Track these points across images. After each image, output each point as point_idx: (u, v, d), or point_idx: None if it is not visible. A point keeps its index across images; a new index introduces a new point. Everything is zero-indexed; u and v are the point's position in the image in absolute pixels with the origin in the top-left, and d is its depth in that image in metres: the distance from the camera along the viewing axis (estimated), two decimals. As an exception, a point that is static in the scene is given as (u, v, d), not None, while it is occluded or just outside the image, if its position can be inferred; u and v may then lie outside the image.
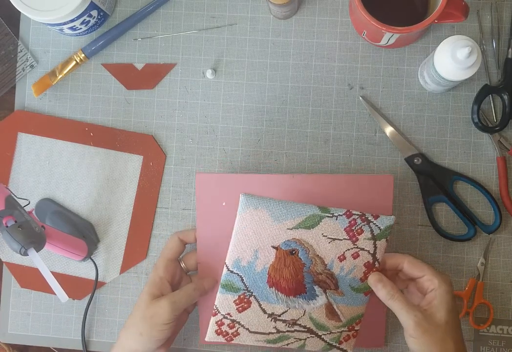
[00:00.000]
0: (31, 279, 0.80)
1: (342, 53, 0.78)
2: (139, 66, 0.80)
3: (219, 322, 0.65)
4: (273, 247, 0.62)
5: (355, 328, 0.66)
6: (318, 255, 0.62)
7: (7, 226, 0.62)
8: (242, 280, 0.63)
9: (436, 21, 0.67)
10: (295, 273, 0.63)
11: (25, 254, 0.62)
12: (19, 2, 0.72)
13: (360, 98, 0.78)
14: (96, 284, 0.79)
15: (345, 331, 0.66)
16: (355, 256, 0.63)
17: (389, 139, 0.77)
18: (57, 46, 0.81)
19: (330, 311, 0.65)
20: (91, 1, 0.73)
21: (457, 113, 0.77)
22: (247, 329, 0.65)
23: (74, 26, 0.76)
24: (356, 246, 0.63)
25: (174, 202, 0.79)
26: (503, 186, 0.75)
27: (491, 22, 0.77)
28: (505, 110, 0.75)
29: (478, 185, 0.76)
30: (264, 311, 0.64)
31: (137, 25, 0.80)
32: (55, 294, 0.64)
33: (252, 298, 0.63)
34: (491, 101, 0.77)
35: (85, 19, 0.75)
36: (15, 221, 0.63)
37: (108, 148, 0.80)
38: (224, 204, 0.70)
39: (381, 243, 0.64)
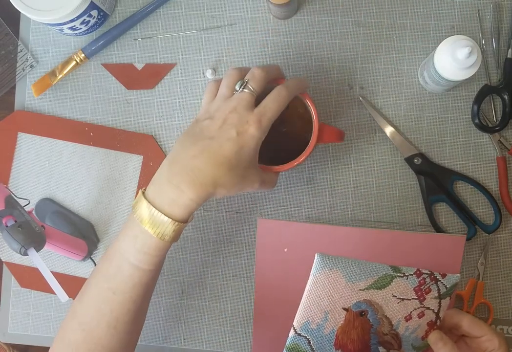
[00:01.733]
0: (31, 279, 0.80)
1: (342, 53, 0.78)
2: (139, 66, 0.80)
3: None
4: (344, 309, 0.60)
5: None
6: (386, 316, 0.61)
7: (7, 226, 0.62)
8: (309, 343, 0.61)
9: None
10: (362, 335, 0.61)
11: (25, 254, 0.63)
12: (19, 2, 0.72)
13: (360, 98, 0.78)
14: (96, 284, 0.79)
15: None
16: (421, 315, 0.62)
17: (389, 139, 0.77)
18: (57, 46, 0.81)
19: None
20: (91, 1, 0.73)
21: (457, 113, 0.77)
22: None
23: (74, 26, 0.76)
24: (422, 306, 0.62)
25: (174, 202, 0.79)
26: (503, 186, 0.75)
27: (491, 22, 0.77)
28: (505, 110, 0.75)
29: (478, 185, 0.76)
30: None
31: (137, 25, 0.80)
32: (55, 294, 0.64)
33: None
34: (491, 101, 0.77)
35: (85, 19, 0.75)
36: (15, 221, 0.63)
37: (108, 148, 0.80)
38: (286, 250, 0.70)
39: (445, 302, 0.63)
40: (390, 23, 0.78)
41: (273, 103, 0.58)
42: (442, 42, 0.68)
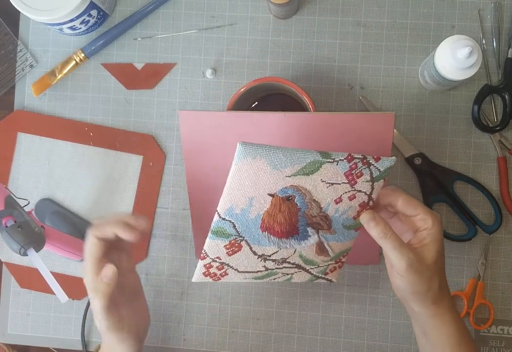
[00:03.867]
0: (31, 280, 0.80)
1: (342, 53, 0.78)
2: (139, 66, 0.80)
3: (207, 265, 0.64)
4: (270, 194, 0.60)
5: (342, 260, 0.67)
6: (314, 200, 0.61)
7: (6, 226, 0.62)
8: (234, 226, 0.62)
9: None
10: (290, 218, 0.61)
11: (25, 254, 0.62)
12: (19, 2, 0.72)
13: (360, 97, 0.78)
14: (96, 284, 0.78)
15: (332, 263, 0.66)
16: (352, 198, 0.61)
17: (389, 139, 0.77)
18: (57, 46, 0.81)
19: (320, 248, 0.64)
20: (91, 1, 0.73)
21: (457, 113, 0.77)
22: (236, 269, 0.65)
23: (74, 25, 0.76)
24: (353, 189, 0.61)
25: (174, 202, 0.79)
26: (504, 186, 0.75)
27: (491, 21, 0.77)
28: (506, 110, 0.75)
29: (478, 185, 0.76)
30: (255, 253, 0.64)
31: (137, 25, 0.80)
32: (54, 294, 0.64)
33: (243, 243, 0.63)
34: (492, 101, 0.76)
35: (84, 19, 0.75)
36: (15, 221, 0.63)
37: (108, 148, 0.80)
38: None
39: (379, 184, 0.62)
40: (390, 23, 0.78)
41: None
42: (443, 42, 0.68)
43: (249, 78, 0.79)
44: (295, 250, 0.64)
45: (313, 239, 0.64)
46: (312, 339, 0.78)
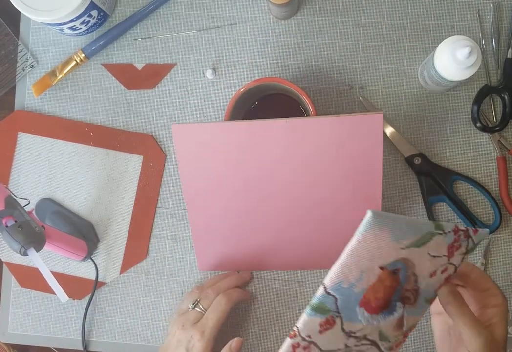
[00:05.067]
0: (31, 279, 0.80)
1: (342, 53, 0.78)
2: (139, 66, 0.80)
3: (295, 344, 0.60)
4: (380, 267, 0.56)
5: (408, 335, 0.63)
6: (414, 273, 0.58)
7: (7, 226, 0.62)
8: (336, 301, 0.58)
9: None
10: (389, 292, 0.59)
11: (25, 254, 0.62)
12: (19, 2, 0.72)
13: (360, 98, 0.78)
14: (96, 284, 0.79)
15: (400, 338, 0.63)
16: (444, 271, 0.59)
17: (389, 139, 0.77)
18: (57, 46, 0.81)
19: (399, 322, 0.61)
20: (91, 1, 0.73)
21: (457, 113, 0.77)
22: (320, 348, 0.60)
23: (74, 26, 0.76)
24: (448, 262, 0.59)
25: (174, 202, 0.79)
26: (503, 186, 0.75)
27: (491, 22, 0.77)
28: (505, 110, 0.75)
29: (478, 185, 0.76)
30: (343, 330, 0.60)
31: (137, 25, 0.80)
32: (55, 294, 0.64)
33: (337, 319, 0.59)
34: (491, 101, 0.77)
35: (85, 19, 0.75)
36: (15, 221, 0.63)
37: (108, 148, 0.80)
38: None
39: (467, 256, 0.60)
40: (390, 23, 0.78)
41: (213, 314, 0.70)
42: (442, 42, 0.68)
43: (249, 78, 0.79)
44: (378, 326, 0.60)
45: (398, 313, 0.60)
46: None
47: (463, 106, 0.77)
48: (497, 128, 0.75)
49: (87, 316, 0.79)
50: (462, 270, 0.61)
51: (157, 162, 0.80)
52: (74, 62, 0.79)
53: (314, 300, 0.57)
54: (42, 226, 0.66)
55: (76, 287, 0.80)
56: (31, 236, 0.62)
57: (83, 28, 0.77)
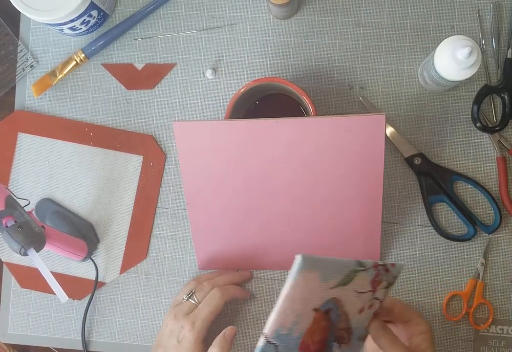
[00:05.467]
0: (31, 279, 0.80)
1: (342, 53, 0.78)
2: (139, 66, 0.80)
3: None
4: (314, 309, 0.58)
5: None
6: (344, 311, 0.60)
7: (7, 226, 0.62)
8: (277, 349, 0.58)
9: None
10: (324, 334, 0.60)
11: (25, 254, 0.62)
12: (19, 2, 0.72)
13: (360, 98, 0.78)
14: (96, 284, 0.79)
15: None
16: (370, 306, 0.61)
17: (389, 139, 0.77)
18: (57, 46, 0.81)
19: None
20: (91, 1, 0.73)
21: (457, 113, 0.77)
22: None
23: (74, 26, 0.76)
24: (374, 297, 0.61)
25: (174, 202, 0.79)
26: (503, 186, 0.75)
27: (491, 22, 0.77)
28: (505, 110, 0.75)
29: (478, 185, 0.76)
30: None
31: (137, 25, 0.80)
32: (55, 294, 0.64)
33: None
34: (491, 101, 0.77)
35: (85, 19, 0.75)
36: (15, 221, 0.63)
37: (108, 148, 0.80)
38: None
39: (388, 291, 0.62)
40: (390, 23, 0.78)
41: (206, 306, 0.71)
42: (442, 42, 0.68)
43: (249, 79, 0.79)
44: None
45: None
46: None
47: (463, 106, 0.77)
48: (497, 128, 0.75)
49: (87, 316, 0.79)
50: (386, 305, 0.63)
51: (157, 162, 0.80)
52: (74, 62, 0.79)
53: (256, 349, 0.57)
54: (42, 226, 0.66)
55: (76, 287, 0.80)
56: (31, 236, 0.62)
57: (83, 28, 0.77)
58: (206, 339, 0.72)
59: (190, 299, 0.73)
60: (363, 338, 0.63)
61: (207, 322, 0.71)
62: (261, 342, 0.57)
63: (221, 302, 0.72)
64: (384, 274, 0.61)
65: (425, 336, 0.62)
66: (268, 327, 0.56)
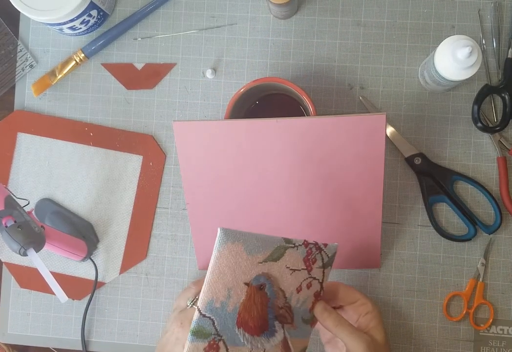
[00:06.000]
0: (31, 279, 0.80)
1: (342, 53, 0.78)
2: (139, 66, 0.80)
3: None
4: (245, 283, 0.59)
5: None
6: (281, 288, 0.61)
7: (6, 226, 0.62)
8: (214, 323, 0.59)
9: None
10: (261, 309, 0.60)
11: (25, 254, 0.62)
12: (19, 2, 0.72)
13: (360, 98, 0.78)
14: (96, 284, 0.79)
15: None
16: (309, 286, 0.62)
17: (389, 139, 0.77)
18: (57, 46, 0.81)
19: (285, 346, 0.62)
20: (91, 1, 0.73)
21: (457, 113, 0.77)
22: None
23: (74, 26, 0.76)
24: (310, 276, 0.62)
25: (174, 202, 0.79)
26: (504, 186, 0.75)
27: (491, 21, 0.77)
28: (506, 110, 0.75)
29: (478, 185, 0.76)
30: None
31: (137, 25, 0.80)
32: (54, 294, 0.64)
33: (221, 343, 0.60)
34: (492, 101, 0.76)
35: (84, 19, 0.75)
36: (15, 221, 0.63)
37: (108, 148, 0.80)
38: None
39: (328, 271, 0.64)
40: (390, 23, 0.78)
41: None
42: (443, 42, 0.68)
43: (249, 78, 0.79)
44: (264, 350, 0.61)
45: (279, 335, 0.62)
46: (312, 339, 0.77)
47: (464, 106, 0.77)
48: (497, 128, 0.75)
49: (87, 317, 0.79)
50: (329, 289, 0.64)
51: (157, 162, 0.79)
52: (73, 62, 0.79)
53: (192, 325, 0.58)
54: (42, 226, 0.66)
55: (75, 287, 0.80)
56: (31, 236, 0.62)
57: (83, 28, 0.77)
58: None
59: (194, 306, 0.71)
60: (311, 324, 0.64)
61: None
62: (195, 315, 0.58)
63: None
64: (316, 253, 0.62)
65: (371, 315, 0.63)
66: (200, 300, 0.58)
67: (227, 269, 0.58)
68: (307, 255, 0.61)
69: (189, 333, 0.59)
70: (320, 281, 0.63)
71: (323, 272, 0.63)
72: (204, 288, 0.58)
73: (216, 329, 0.59)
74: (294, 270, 0.61)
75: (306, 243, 0.61)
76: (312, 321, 0.64)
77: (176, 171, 0.79)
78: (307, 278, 0.62)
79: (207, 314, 0.58)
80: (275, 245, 0.59)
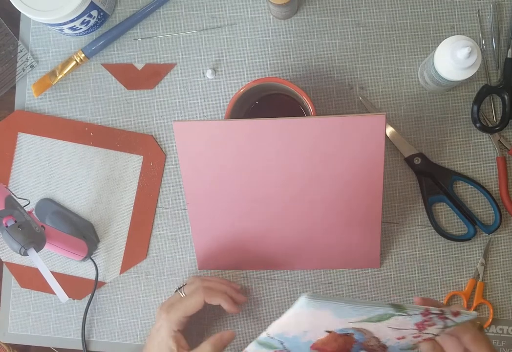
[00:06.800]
0: (31, 279, 0.80)
1: (342, 53, 0.78)
2: (139, 66, 0.80)
3: None
4: (327, 331, 0.53)
5: None
6: (374, 336, 0.55)
7: (7, 226, 0.62)
8: (282, 344, 0.55)
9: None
10: (344, 345, 0.56)
11: (25, 254, 0.62)
12: (19, 2, 0.72)
13: (360, 98, 0.78)
14: (96, 284, 0.79)
15: None
16: (416, 336, 0.56)
17: (389, 139, 0.77)
18: (57, 46, 0.81)
19: None
20: (91, 1, 0.73)
21: (457, 113, 0.77)
22: None
23: (74, 26, 0.76)
24: (421, 333, 0.55)
25: (174, 202, 0.79)
26: (503, 186, 0.75)
27: (491, 22, 0.77)
28: (505, 110, 0.75)
29: (478, 185, 0.76)
30: None
31: (137, 25, 0.80)
32: (55, 294, 0.64)
33: None
34: (491, 101, 0.77)
35: (85, 19, 0.75)
36: (15, 221, 0.63)
37: (108, 148, 0.80)
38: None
39: (451, 329, 0.56)
40: (390, 23, 0.78)
41: (186, 300, 0.72)
42: (442, 42, 0.68)
43: (249, 78, 0.79)
44: None
45: None
46: None
47: (463, 106, 0.77)
48: (497, 128, 0.75)
49: (87, 316, 0.79)
50: (454, 332, 0.57)
51: (157, 162, 0.80)
52: (74, 62, 0.79)
53: (260, 339, 0.54)
54: (42, 226, 0.66)
55: (76, 287, 0.80)
56: (31, 236, 0.62)
57: (83, 28, 0.77)
58: (186, 333, 0.72)
59: (178, 291, 0.73)
60: (410, 349, 0.58)
61: (182, 314, 0.70)
62: (263, 334, 0.54)
63: (200, 299, 0.71)
64: (438, 320, 0.53)
65: (479, 343, 0.56)
66: (270, 329, 0.53)
67: (307, 324, 0.52)
68: (423, 321, 0.53)
69: (255, 341, 0.55)
70: (437, 334, 0.55)
71: (442, 331, 0.55)
72: (274, 325, 0.52)
73: (284, 346, 0.56)
74: (399, 329, 0.53)
75: (426, 313, 0.52)
76: (414, 348, 0.58)
77: (176, 171, 0.79)
78: (415, 333, 0.55)
79: (276, 337, 0.54)
80: (378, 313, 0.51)
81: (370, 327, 0.53)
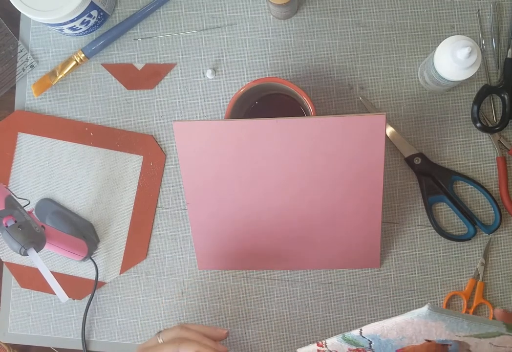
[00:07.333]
0: (31, 279, 0.80)
1: (342, 53, 0.78)
2: (139, 66, 0.80)
3: (320, 351, 0.59)
4: (427, 340, 0.53)
5: None
6: (469, 350, 0.55)
7: (7, 226, 0.62)
8: (370, 344, 0.55)
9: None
10: None
11: (25, 254, 0.63)
12: (19, 2, 0.72)
13: (360, 98, 0.78)
14: (96, 284, 0.79)
15: None
16: None
17: (389, 139, 0.77)
18: (57, 46, 0.81)
19: None
20: (91, 1, 0.73)
21: (457, 113, 0.77)
22: None
23: (74, 26, 0.76)
24: None
25: (174, 202, 0.79)
26: (503, 186, 0.75)
27: (491, 22, 0.77)
28: (505, 110, 0.75)
29: (478, 185, 0.76)
30: None
31: (137, 25, 0.80)
32: (55, 294, 0.64)
33: None
34: (491, 101, 0.77)
35: (85, 19, 0.75)
36: (15, 221, 0.63)
37: (108, 148, 0.80)
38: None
39: None
40: (390, 23, 0.78)
41: (163, 347, 0.67)
42: (442, 42, 0.68)
43: (249, 78, 0.79)
44: None
45: None
46: (312, 339, 0.78)
47: (463, 106, 0.77)
48: (497, 128, 0.75)
49: (87, 316, 0.79)
50: None
51: (157, 162, 0.80)
52: (74, 62, 0.79)
53: (347, 335, 0.54)
54: (42, 226, 0.66)
55: (76, 287, 0.80)
56: (31, 236, 0.62)
57: (83, 28, 0.77)
58: None
59: (157, 335, 0.69)
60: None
61: None
62: (355, 332, 0.54)
63: (172, 351, 0.67)
64: None
65: None
66: (368, 328, 0.53)
67: (411, 331, 0.52)
68: None
69: (340, 336, 0.55)
70: None
71: None
72: (375, 326, 0.52)
73: (371, 347, 0.55)
74: (498, 346, 0.54)
75: None
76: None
77: (176, 171, 0.79)
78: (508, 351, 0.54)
79: (367, 337, 0.54)
80: (490, 330, 0.51)
81: (472, 341, 0.54)
